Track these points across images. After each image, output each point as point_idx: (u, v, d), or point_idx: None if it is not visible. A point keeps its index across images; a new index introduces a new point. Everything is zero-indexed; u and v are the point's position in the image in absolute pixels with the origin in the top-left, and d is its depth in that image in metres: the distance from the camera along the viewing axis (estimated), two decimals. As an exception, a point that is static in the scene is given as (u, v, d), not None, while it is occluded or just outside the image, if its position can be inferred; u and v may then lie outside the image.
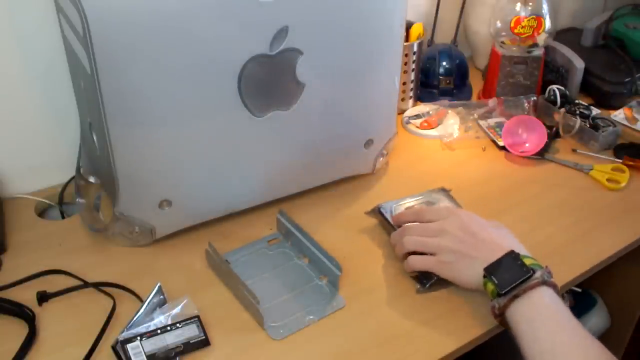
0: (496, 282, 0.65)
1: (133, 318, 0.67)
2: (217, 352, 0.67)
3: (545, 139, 1.00)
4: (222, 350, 0.67)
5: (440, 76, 1.16)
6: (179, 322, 0.67)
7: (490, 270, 0.66)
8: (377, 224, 0.85)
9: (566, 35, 1.28)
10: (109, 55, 0.64)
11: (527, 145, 1.01)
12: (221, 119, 0.74)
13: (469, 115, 1.09)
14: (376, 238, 0.83)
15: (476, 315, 0.71)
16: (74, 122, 0.89)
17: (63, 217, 0.92)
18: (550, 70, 1.17)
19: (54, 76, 0.86)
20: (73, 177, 0.90)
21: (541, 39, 1.10)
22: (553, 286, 0.64)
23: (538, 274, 0.64)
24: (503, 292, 0.64)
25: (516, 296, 0.63)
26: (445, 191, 0.86)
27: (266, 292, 0.73)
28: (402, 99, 1.13)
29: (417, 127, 1.08)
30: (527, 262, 0.66)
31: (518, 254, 0.67)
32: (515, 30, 1.08)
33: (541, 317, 0.62)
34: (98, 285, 0.74)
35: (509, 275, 0.64)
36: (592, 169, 0.96)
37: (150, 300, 0.69)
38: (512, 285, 0.63)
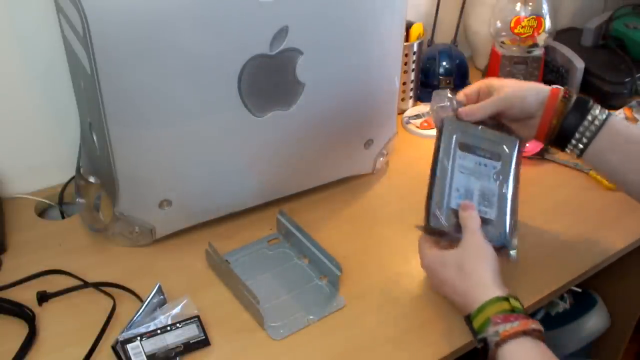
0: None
1: (133, 318, 0.67)
2: (217, 352, 0.67)
3: (545, 139, 1.00)
4: (222, 350, 0.67)
5: (440, 76, 1.16)
6: (179, 322, 0.67)
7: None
8: (376, 224, 0.85)
9: (566, 35, 1.28)
10: (109, 55, 0.64)
11: (527, 145, 1.01)
12: (221, 119, 0.74)
13: (469, 115, 1.08)
14: (376, 238, 0.83)
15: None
16: (74, 122, 0.89)
17: (63, 217, 0.92)
18: (550, 70, 1.17)
19: (54, 76, 0.86)
20: (73, 177, 0.90)
21: (541, 39, 1.10)
22: (505, 339, 0.60)
23: (489, 340, 0.60)
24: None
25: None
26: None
27: (266, 292, 0.73)
28: (402, 99, 1.13)
29: (417, 127, 1.08)
30: (477, 324, 0.62)
31: (469, 319, 0.63)
32: (515, 30, 1.08)
33: None
34: (98, 285, 0.74)
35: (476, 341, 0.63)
36: (592, 169, 0.96)
37: (150, 300, 0.69)
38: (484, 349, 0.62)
